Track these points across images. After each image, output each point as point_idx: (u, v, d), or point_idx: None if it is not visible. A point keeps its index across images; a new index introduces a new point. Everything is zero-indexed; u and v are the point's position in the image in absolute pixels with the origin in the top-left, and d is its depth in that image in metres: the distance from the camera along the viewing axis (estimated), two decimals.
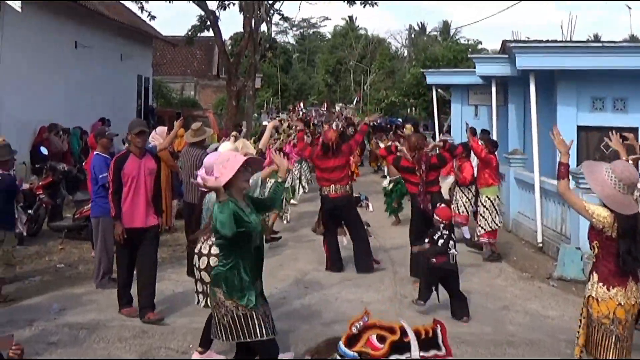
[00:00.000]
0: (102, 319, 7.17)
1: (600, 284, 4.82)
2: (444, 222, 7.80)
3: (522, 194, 13.04)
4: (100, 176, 8.41)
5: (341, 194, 9.61)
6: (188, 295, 8.02)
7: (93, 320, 7.15)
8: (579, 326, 5.03)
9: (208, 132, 9.83)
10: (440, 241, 7.71)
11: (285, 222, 13.13)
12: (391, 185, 13.67)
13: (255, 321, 4.70)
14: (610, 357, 4.76)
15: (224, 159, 4.72)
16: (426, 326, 4.04)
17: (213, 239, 5.33)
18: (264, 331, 4.71)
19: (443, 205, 8.21)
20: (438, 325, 4.06)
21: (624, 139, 6.70)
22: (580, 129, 13.38)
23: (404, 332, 3.90)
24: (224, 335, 4.76)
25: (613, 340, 4.76)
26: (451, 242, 7.73)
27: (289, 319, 7.32)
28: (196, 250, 6.02)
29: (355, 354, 3.76)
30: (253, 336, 4.69)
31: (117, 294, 7.49)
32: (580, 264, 9.51)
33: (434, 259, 7.69)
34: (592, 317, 4.85)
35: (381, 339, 3.83)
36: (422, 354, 3.91)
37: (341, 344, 3.82)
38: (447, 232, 7.76)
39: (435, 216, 7.93)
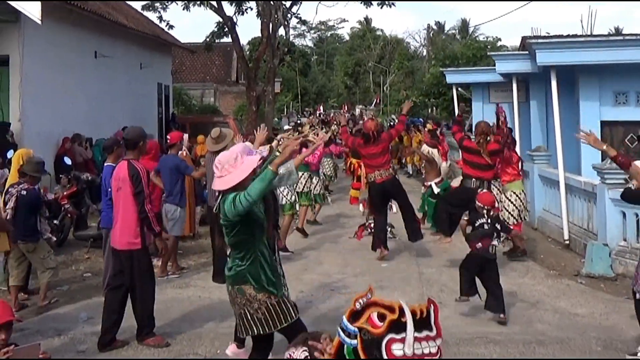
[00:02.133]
0: (130, 326, 7.17)
1: None
2: (486, 207, 7.48)
3: (547, 190, 12.93)
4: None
5: (386, 177, 10.25)
6: (214, 301, 8.07)
7: (120, 328, 7.17)
8: None
9: (228, 137, 9.78)
10: (484, 228, 7.38)
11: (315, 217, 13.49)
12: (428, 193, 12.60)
13: (288, 304, 4.96)
14: None
15: (233, 157, 4.73)
16: (422, 305, 4.15)
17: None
18: (294, 311, 4.96)
19: (485, 190, 8.19)
20: (432, 305, 4.15)
21: None
22: (603, 124, 13.24)
23: (402, 312, 4.06)
24: (261, 328, 4.85)
25: None
26: (494, 233, 7.39)
27: (315, 322, 7.26)
28: None
29: (356, 329, 3.90)
30: (289, 318, 4.88)
31: (138, 325, 6.80)
32: (608, 260, 9.40)
33: (478, 244, 7.38)
34: None
35: (381, 317, 3.96)
36: (415, 334, 4.07)
37: (344, 319, 3.93)
38: (490, 222, 7.42)
39: (477, 202, 7.64)
